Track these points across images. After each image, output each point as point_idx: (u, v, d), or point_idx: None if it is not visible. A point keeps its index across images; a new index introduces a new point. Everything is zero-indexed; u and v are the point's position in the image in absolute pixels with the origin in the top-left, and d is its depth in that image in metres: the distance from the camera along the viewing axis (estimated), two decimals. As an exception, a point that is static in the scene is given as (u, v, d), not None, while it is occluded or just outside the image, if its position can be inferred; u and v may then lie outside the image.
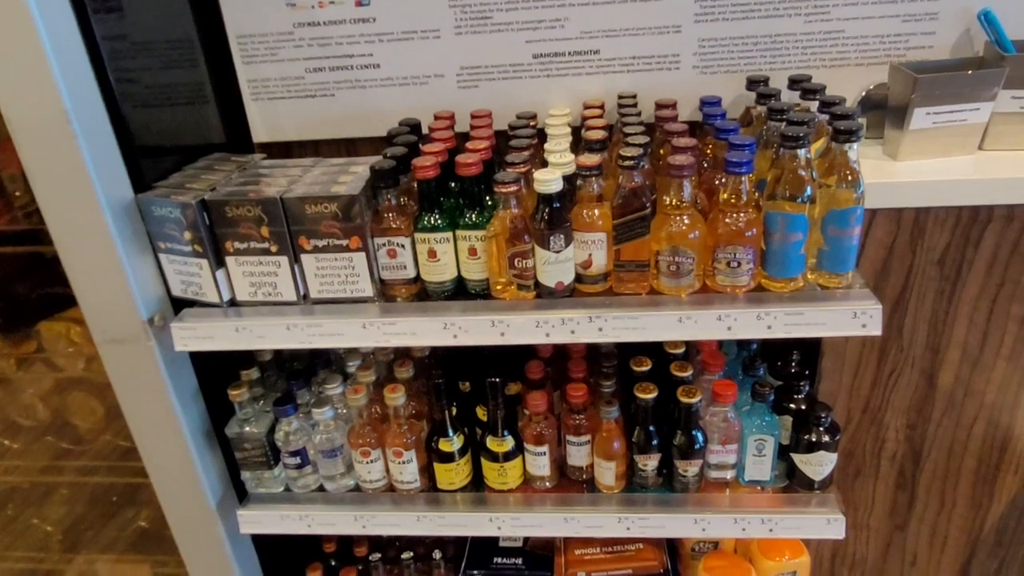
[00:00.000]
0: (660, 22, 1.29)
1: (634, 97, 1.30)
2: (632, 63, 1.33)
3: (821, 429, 1.21)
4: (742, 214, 1.03)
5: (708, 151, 1.21)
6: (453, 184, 1.15)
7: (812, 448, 1.22)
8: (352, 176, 1.15)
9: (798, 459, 1.24)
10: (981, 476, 1.50)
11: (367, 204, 1.11)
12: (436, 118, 1.29)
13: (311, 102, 1.41)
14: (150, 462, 1.30)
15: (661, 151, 1.19)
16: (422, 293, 1.16)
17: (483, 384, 1.25)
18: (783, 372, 1.32)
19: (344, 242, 1.11)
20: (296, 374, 1.35)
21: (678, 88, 1.33)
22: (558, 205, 1.04)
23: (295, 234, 1.11)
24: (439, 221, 1.10)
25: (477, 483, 1.35)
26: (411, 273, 1.13)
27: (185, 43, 1.33)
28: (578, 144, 1.13)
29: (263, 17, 1.35)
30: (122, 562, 1.81)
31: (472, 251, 1.10)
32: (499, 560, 1.51)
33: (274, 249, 1.12)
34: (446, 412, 1.27)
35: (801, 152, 1.00)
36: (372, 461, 1.30)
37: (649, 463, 1.26)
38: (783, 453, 1.27)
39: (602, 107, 1.31)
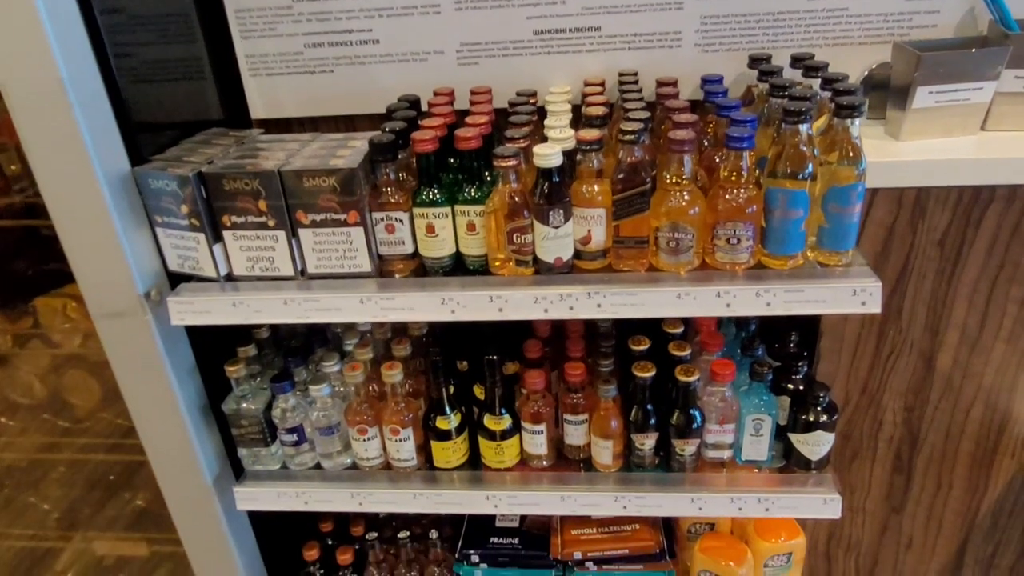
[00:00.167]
0: (662, -1, 1.28)
1: (635, 75, 1.30)
2: (633, 40, 1.32)
3: (819, 409, 1.21)
4: (742, 190, 1.02)
5: (709, 129, 1.20)
6: (452, 160, 1.14)
7: (809, 428, 1.22)
8: (351, 150, 1.14)
9: (795, 439, 1.24)
10: (978, 459, 1.50)
11: (365, 179, 1.10)
12: (436, 94, 1.28)
13: (310, 78, 1.40)
14: (147, 438, 1.30)
15: (662, 128, 1.18)
16: (420, 269, 1.15)
17: (481, 363, 1.24)
18: (781, 353, 1.32)
19: (342, 216, 1.10)
20: (293, 352, 1.35)
21: (679, 66, 1.32)
22: (557, 180, 1.04)
23: (293, 208, 1.10)
24: (438, 196, 1.09)
25: (474, 462, 1.35)
26: (409, 248, 1.13)
27: (183, 17, 1.32)
28: (578, 122, 1.13)
29: (262, -9, 1.34)
30: (120, 540, 1.81)
31: (471, 226, 1.10)
32: (496, 540, 1.51)
33: (271, 223, 1.12)
34: (443, 390, 1.27)
35: (803, 128, 0.99)
36: (369, 439, 1.30)
37: (646, 442, 1.26)
38: (780, 434, 1.27)
39: (603, 84, 1.30)
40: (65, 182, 1.08)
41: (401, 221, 1.11)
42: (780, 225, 1.04)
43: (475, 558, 1.49)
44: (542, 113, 1.22)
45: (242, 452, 1.36)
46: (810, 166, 1.00)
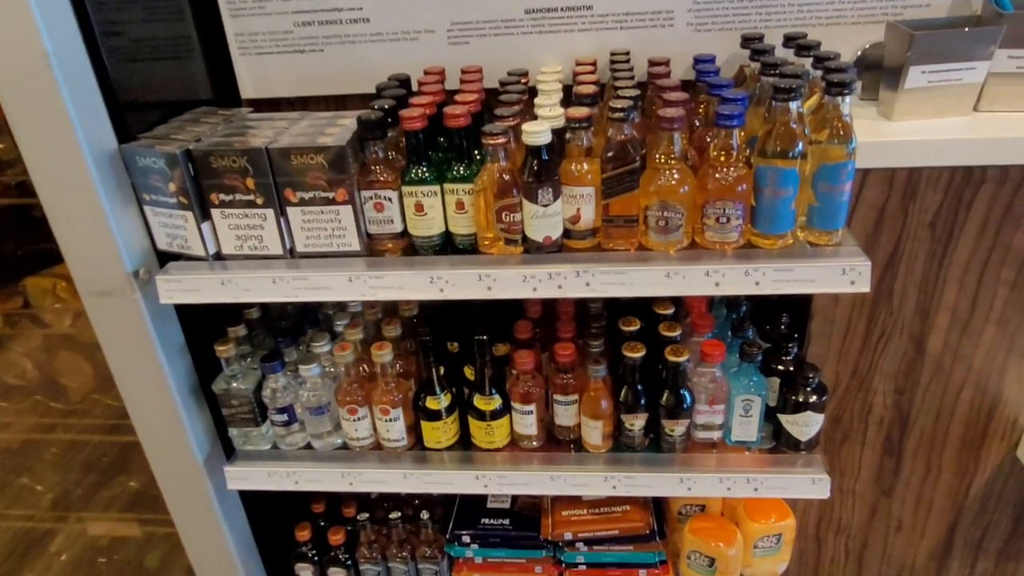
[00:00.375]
0: (654, -23, 1.27)
1: (627, 55, 1.29)
2: (625, 19, 1.31)
3: (808, 389, 1.21)
4: (732, 168, 1.02)
5: (701, 110, 1.20)
6: (441, 138, 1.13)
7: (799, 408, 1.22)
8: (339, 128, 1.13)
9: (785, 420, 1.25)
10: (968, 442, 1.50)
11: (354, 157, 1.10)
12: (426, 73, 1.27)
13: (299, 57, 1.39)
14: (137, 417, 1.30)
15: (653, 108, 1.17)
16: (409, 248, 1.15)
17: (471, 344, 1.24)
18: (772, 334, 1.32)
19: (330, 195, 1.09)
20: (284, 332, 1.35)
21: (672, 46, 1.31)
22: (546, 158, 1.03)
23: (281, 186, 1.10)
24: (427, 174, 1.08)
25: (465, 443, 1.35)
26: (398, 227, 1.12)
27: (171, -5, 1.31)
28: (569, 102, 1.12)
29: (251, -32, 1.33)
30: (113, 521, 1.82)
31: (460, 205, 1.09)
32: (487, 521, 1.52)
33: (260, 201, 1.11)
34: (433, 370, 1.27)
35: (793, 105, 0.98)
36: (359, 419, 1.30)
37: (636, 423, 1.26)
38: (770, 415, 1.27)
39: (594, 64, 1.29)
40: (51, 159, 1.07)
41: (390, 199, 1.10)
42: (770, 204, 1.03)
43: (466, 539, 1.50)
44: (533, 93, 1.21)
45: (233, 432, 1.36)
46: (800, 144, 1.00)
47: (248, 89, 1.43)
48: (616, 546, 1.47)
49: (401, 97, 1.16)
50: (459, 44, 1.36)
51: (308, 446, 1.37)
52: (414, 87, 1.27)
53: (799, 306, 1.35)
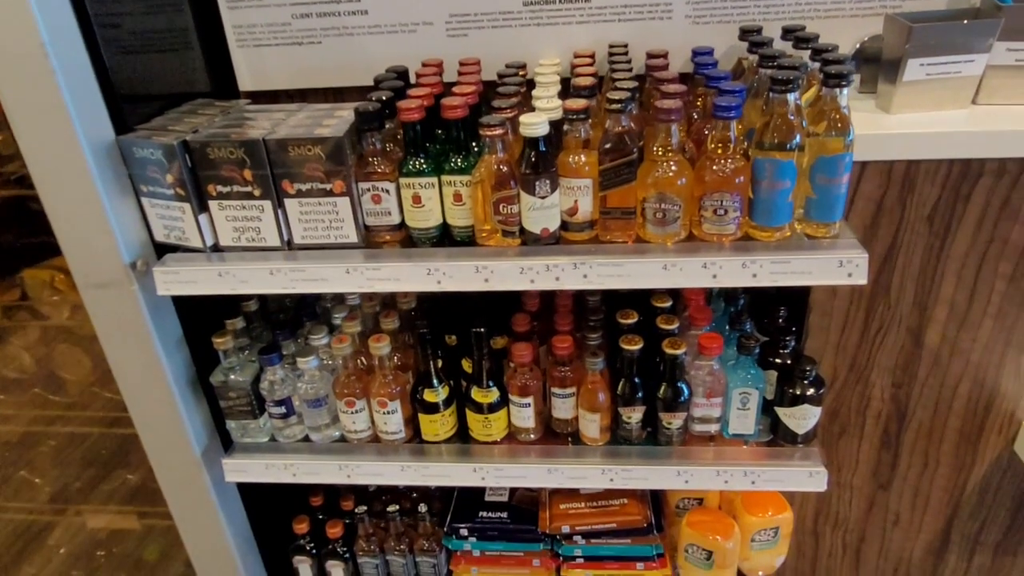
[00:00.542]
0: (653, -30, 1.27)
1: (625, 47, 1.28)
2: (624, 12, 1.31)
3: (805, 382, 1.21)
4: (729, 160, 1.02)
5: (699, 103, 1.19)
6: (439, 130, 1.13)
7: (796, 401, 1.22)
8: (337, 120, 1.13)
9: (782, 413, 1.25)
10: (965, 436, 1.50)
11: (352, 148, 1.09)
12: (424, 65, 1.27)
13: (298, 49, 1.39)
14: (135, 409, 1.30)
15: (651, 101, 1.17)
16: (407, 240, 1.15)
17: (469, 337, 1.24)
18: (770, 328, 1.32)
19: (328, 186, 1.09)
20: (282, 324, 1.35)
21: (670, 38, 1.31)
22: (544, 150, 1.03)
23: (278, 177, 1.10)
24: (424, 166, 1.08)
25: (462, 435, 1.35)
26: (396, 219, 1.12)
27: (169, -13, 1.31)
28: (567, 95, 1.12)
29: (248, -40, 1.33)
30: (111, 514, 1.82)
31: (457, 197, 1.09)
32: (485, 514, 1.52)
33: (257, 193, 1.11)
34: (431, 363, 1.27)
35: (791, 97, 0.98)
36: (357, 411, 1.30)
37: (633, 416, 1.26)
38: (768, 408, 1.27)
39: (592, 57, 1.29)
40: (49, 150, 1.07)
41: (387, 191, 1.10)
42: (767, 196, 1.03)
43: (464, 532, 1.50)
44: (531, 86, 1.21)
45: (230, 425, 1.36)
46: (798, 136, 1.00)
47: (246, 81, 1.43)
48: (614, 539, 1.47)
49: (399, 89, 1.16)
50: (457, 36, 1.35)
51: (306, 439, 1.37)
52: (412, 79, 1.27)
53: (797, 300, 1.35)
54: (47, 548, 1.94)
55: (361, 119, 1.06)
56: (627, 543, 1.47)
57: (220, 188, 1.11)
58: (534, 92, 1.13)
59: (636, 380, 1.24)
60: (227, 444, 1.39)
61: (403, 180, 1.09)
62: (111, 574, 1.93)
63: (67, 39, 1.04)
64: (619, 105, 1.01)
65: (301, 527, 1.56)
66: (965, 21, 1.18)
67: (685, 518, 1.46)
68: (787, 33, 1.20)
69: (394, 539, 1.57)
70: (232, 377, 1.30)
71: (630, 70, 1.16)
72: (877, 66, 1.26)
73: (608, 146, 1.03)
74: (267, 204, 1.12)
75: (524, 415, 1.29)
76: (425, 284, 1.09)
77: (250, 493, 1.49)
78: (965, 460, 1.54)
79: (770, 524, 1.43)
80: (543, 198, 1.05)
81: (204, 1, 1.36)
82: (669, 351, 1.19)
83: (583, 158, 1.05)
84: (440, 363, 1.30)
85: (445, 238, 1.14)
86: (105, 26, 1.11)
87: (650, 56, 1.25)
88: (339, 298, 1.40)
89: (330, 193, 1.10)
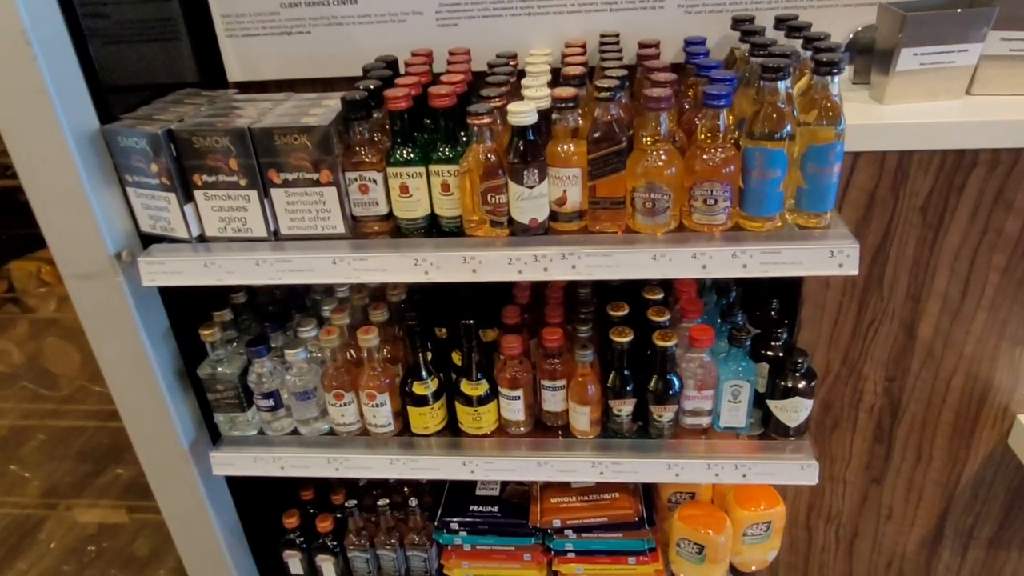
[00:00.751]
0: (645, -42, 1.26)
1: (616, 37, 1.27)
2: (615, 1, 1.30)
3: (797, 375, 1.20)
4: (719, 150, 1.01)
5: (690, 93, 1.18)
6: (427, 120, 1.12)
7: (788, 394, 1.21)
8: (324, 109, 1.12)
9: (773, 405, 1.24)
10: (958, 430, 1.50)
11: (339, 138, 1.08)
12: (413, 55, 1.25)
13: (286, 39, 1.38)
14: (121, 401, 1.29)
15: (641, 90, 1.16)
16: (395, 231, 1.14)
17: (459, 329, 1.23)
18: (762, 320, 1.31)
19: (314, 176, 1.08)
20: (270, 317, 1.34)
21: (662, 28, 1.30)
22: (532, 139, 1.02)
23: (264, 167, 1.09)
24: (412, 155, 1.07)
25: (452, 429, 1.34)
26: (383, 209, 1.11)
27: (156, -25, 1.29)
28: (557, 85, 1.11)
29: (236, -52, 1.31)
30: (100, 508, 1.81)
31: (445, 187, 1.08)
32: (476, 508, 1.51)
33: (243, 183, 1.10)
34: (420, 355, 1.26)
35: (781, 85, 0.97)
36: (345, 404, 1.29)
37: (624, 408, 1.25)
38: (759, 401, 1.27)
39: (583, 47, 1.28)
40: (32, 139, 1.06)
41: (375, 181, 1.09)
42: (758, 186, 1.02)
43: (455, 526, 1.49)
44: (522, 76, 1.20)
45: (218, 418, 1.35)
46: (788, 125, 0.99)
47: (235, 71, 1.42)
48: (605, 533, 1.46)
49: (388, 78, 1.15)
50: (448, 26, 1.34)
51: (295, 432, 1.36)
52: (402, 69, 1.26)
53: (789, 292, 1.34)
54: (39, 544, 1.93)
55: (348, 108, 1.05)
56: (618, 537, 1.46)
57: (206, 178, 1.10)
58: (524, 81, 1.12)
59: (626, 373, 1.23)
60: (215, 437, 1.38)
61: (391, 170, 1.08)
62: (103, 569, 1.92)
63: (50, 26, 1.02)
64: (608, 93, 1.00)
65: (291, 521, 1.55)
66: (959, 10, 1.17)
67: (677, 512, 1.46)
68: (780, 23, 1.19)
69: (384, 533, 1.56)
70: (220, 369, 1.29)
71: (620, 58, 1.15)
72: (870, 56, 1.25)
73: (597, 135, 1.02)
74: (253, 194, 1.11)
75: (514, 408, 1.28)
76: (412, 275, 1.08)
77: (239, 487, 1.48)
78: (959, 454, 1.53)
79: (762, 518, 1.42)
80: (531, 188, 1.04)
81: (192, -11, 1.35)
82: (660, 343, 1.18)
83: (572, 147, 1.03)
84: (430, 356, 1.29)
85: (433, 228, 1.13)
86: (90, 15, 1.09)
87: (642, 46, 1.23)
88: (328, 290, 1.39)
89: (317, 183, 1.09)
